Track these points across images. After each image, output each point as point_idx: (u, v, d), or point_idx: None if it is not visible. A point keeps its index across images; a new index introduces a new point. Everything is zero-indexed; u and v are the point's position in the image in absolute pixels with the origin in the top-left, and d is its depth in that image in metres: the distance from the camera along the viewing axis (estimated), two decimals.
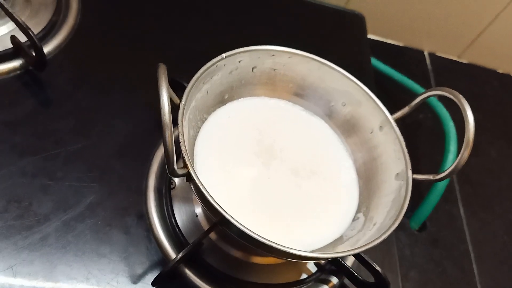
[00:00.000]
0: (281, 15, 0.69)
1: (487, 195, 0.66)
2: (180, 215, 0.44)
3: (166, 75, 0.31)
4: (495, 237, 0.62)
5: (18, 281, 0.38)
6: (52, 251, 0.40)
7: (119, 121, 0.49)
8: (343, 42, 0.71)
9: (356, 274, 0.44)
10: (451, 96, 0.38)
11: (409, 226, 0.59)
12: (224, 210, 0.32)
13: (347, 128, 0.46)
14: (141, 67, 0.53)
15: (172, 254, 0.42)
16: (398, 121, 0.43)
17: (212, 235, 0.44)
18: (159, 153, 0.48)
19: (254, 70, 0.45)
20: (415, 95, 0.44)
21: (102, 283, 0.39)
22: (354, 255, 0.45)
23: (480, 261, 0.59)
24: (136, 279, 0.40)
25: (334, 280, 0.45)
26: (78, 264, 0.40)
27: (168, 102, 0.30)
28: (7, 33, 0.50)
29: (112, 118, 0.49)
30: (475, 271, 0.58)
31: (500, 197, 0.67)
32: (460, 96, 0.36)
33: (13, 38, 0.49)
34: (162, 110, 0.30)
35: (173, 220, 0.44)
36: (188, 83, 0.38)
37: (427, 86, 0.69)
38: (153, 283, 0.39)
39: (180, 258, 0.38)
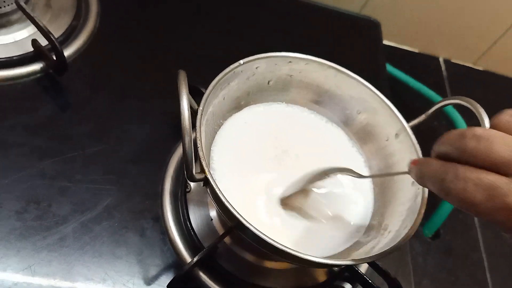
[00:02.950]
0: (297, 22, 0.69)
1: None
2: (195, 219, 0.45)
3: (187, 82, 0.32)
4: (509, 247, 0.62)
5: (36, 280, 0.39)
6: (70, 252, 0.40)
7: (135, 126, 0.50)
8: (359, 48, 0.71)
9: (370, 281, 0.44)
10: (469, 105, 0.37)
11: (422, 234, 0.59)
12: (240, 215, 0.32)
13: (363, 135, 0.46)
14: (158, 73, 0.54)
15: (187, 257, 0.42)
16: (413, 129, 0.43)
17: (227, 239, 0.44)
18: (175, 158, 0.48)
19: (270, 83, 0.45)
20: (430, 102, 0.44)
21: (118, 284, 0.40)
22: (368, 263, 0.45)
23: (494, 271, 0.59)
24: (151, 281, 0.41)
25: (348, 286, 0.45)
26: (95, 265, 0.40)
27: (188, 108, 0.31)
28: (27, 36, 0.52)
29: (129, 123, 0.50)
30: (489, 281, 0.58)
31: None
32: (478, 105, 0.36)
33: (34, 42, 0.50)
34: (182, 115, 0.30)
35: (188, 223, 0.44)
36: (205, 89, 0.38)
37: (442, 93, 0.69)
38: (168, 286, 0.40)
39: (196, 261, 0.38)
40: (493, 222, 0.25)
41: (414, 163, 0.31)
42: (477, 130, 0.26)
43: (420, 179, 0.30)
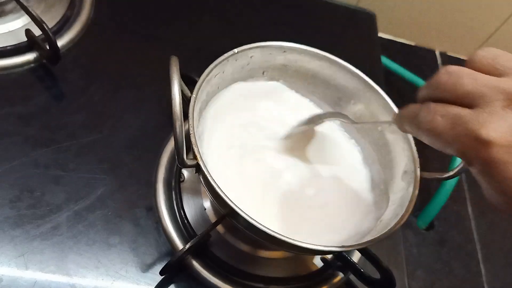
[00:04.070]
0: (293, 13, 0.69)
1: None
2: (189, 208, 0.45)
3: (178, 67, 0.32)
4: (503, 238, 0.62)
5: (29, 268, 0.39)
6: (63, 240, 0.40)
7: (130, 116, 0.50)
8: (354, 40, 0.71)
9: (361, 270, 0.44)
10: None
11: (416, 225, 0.59)
12: (231, 201, 0.32)
13: (357, 125, 0.46)
14: (152, 62, 0.54)
15: (180, 245, 0.42)
16: None
17: (220, 228, 0.44)
18: (169, 147, 0.48)
19: (265, 73, 0.45)
20: None
21: (112, 272, 0.40)
22: (360, 251, 0.45)
23: (487, 262, 0.59)
24: (144, 269, 0.41)
25: (340, 275, 0.46)
26: (88, 253, 0.40)
27: (179, 93, 0.30)
28: (21, 26, 0.52)
29: (123, 112, 0.50)
30: (483, 271, 0.58)
31: None
32: None
33: (28, 32, 0.50)
34: (173, 101, 0.30)
35: (182, 212, 0.44)
36: (199, 78, 0.38)
37: None
38: (161, 273, 0.40)
39: (188, 248, 0.38)
40: (456, 153, 0.26)
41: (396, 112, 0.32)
42: (450, 67, 0.27)
43: (399, 123, 0.31)
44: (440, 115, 0.26)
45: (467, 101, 0.26)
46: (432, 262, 0.57)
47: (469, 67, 0.27)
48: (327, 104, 0.47)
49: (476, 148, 0.24)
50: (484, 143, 0.24)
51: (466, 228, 0.61)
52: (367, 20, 0.73)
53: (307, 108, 0.47)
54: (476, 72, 0.26)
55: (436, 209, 0.59)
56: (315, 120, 0.43)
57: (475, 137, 0.24)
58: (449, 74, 0.27)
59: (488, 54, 0.27)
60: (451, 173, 0.40)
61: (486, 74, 0.26)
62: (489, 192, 0.26)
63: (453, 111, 0.26)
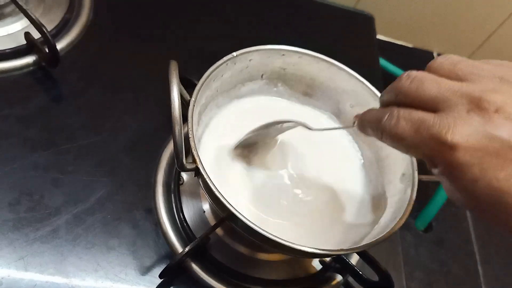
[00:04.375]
0: (292, 15, 0.69)
1: None
2: (188, 211, 0.45)
3: (177, 71, 0.32)
4: (501, 239, 0.62)
5: (29, 271, 0.39)
6: (62, 243, 0.41)
7: (129, 118, 0.50)
8: (352, 43, 0.71)
9: (360, 272, 0.44)
10: None
11: (414, 226, 0.60)
12: (231, 205, 0.32)
13: (355, 129, 0.47)
14: (152, 65, 0.54)
15: (179, 248, 0.42)
16: None
17: (219, 231, 0.44)
18: (168, 150, 0.48)
19: (263, 76, 0.45)
20: None
21: (111, 275, 0.40)
22: (359, 254, 0.45)
23: (485, 263, 0.59)
24: (144, 271, 0.41)
25: (339, 278, 0.46)
26: (87, 256, 0.40)
27: (178, 97, 0.31)
28: (21, 29, 0.52)
29: (122, 115, 0.50)
30: (480, 272, 0.58)
31: None
32: None
33: (27, 35, 0.50)
34: (172, 105, 0.30)
35: (181, 215, 0.44)
36: (198, 81, 0.38)
37: None
38: (160, 276, 0.40)
39: (187, 251, 0.39)
40: (420, 156, 0.27)
41: (357, 115, 0.33)
42: (412, 72, 0.28)
43: (362, 127, 0.32)
44: (404, 119, 0.27)
45: (431, 106, 0.26)
46: (430, 263, 0.57)
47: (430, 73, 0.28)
48: (327, 107, 0.48)
49: (441, 152, 0.25)
50: (449, 147, 0.24)
51: (464, 229, 0.61)
52: (365, 22, 0.74)
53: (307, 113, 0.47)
54: (439, 77, 0.27)
55: (434, 210, 0.59)
56: (273, 129, 0.41)
57: (440, 141, 0.25)
58: (412, 79, 0.27)
59: (448, 60, 0.28)
60: None
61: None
62: (451, 191, 0.26)
63: (416, 115, 0.26)
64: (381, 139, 0.29)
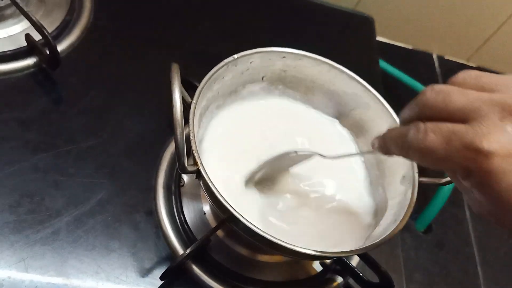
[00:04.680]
0: (291, 18, 0.70)
1: None
2: (189, 213, 0.45)
3: (179, 74, 0.32)
4: (501, 241, 0.62)
5: (29, 273, 0.39)
6: (63, 245, 0.41)
7: (129, 120, 0.50)
8: (352, 44, 0.71)
9: (360, 274, 0.44)
10: None
11: (414, 228, 0.60)
12: (232, 207, 0.32)
13: (356, 130, 0.47)
14: (152, 67, 0.54)
15: (180, 250, 0.42)
16: None
17: (220, 233, 0.44)
18: (169, 152, 0.49)
19: (264, 78, 0.46)
20: None
21: (112, 277, 0.40)
22: (359, 255, 0.45)
23: (485, 265, 0.59)
24: (144, 273, 0.41)
25: (339, 279, 0.46)
26: (88, 258, 0.40)
27: (180, 99, 0.31)
28: (21, 31, 0.52)
29: (123, 117, 0.50)
30: (480, 274, 0.59)
31: None
32: None
33: (28, 37, 0.50)
34: (174, 107, 0.30)
35: (182, 217, 0.44)
36: (199, 83, 0.39)
37: None
38: (161, 277, 0.40)
39: (188, 253, 0.39)
40: (450, 168, 0.27)
41: (377, 137, 0.33)
42: (436, 85, 0.27)
43: (384, 146, 0.32)
44: (433, 131, 0.26)
45: (459, 117, 0.26)
46: (430, 265, 0.57)
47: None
48: (327, 109, 0.48)
49: (476, 160, 0.24)
50: (485, 155, 0.24)
51: (463, 231, 0.62)
52: (365, 24, 0.74)
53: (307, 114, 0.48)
54: (465, 89, 0.27)
55: (434, 212, 0.59)
56: (286, 161, 0.41)
57: (475, 149, 0.24)
58: (437, 92, 0.27)
59: (470, 74, 0.28)
60: (448, 178, 0.40)
61: None
62: (481, 204, 0.26)
63: (446, 127, 0.26)
64: (407, 155, 0.28)
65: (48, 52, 0.48)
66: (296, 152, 0.40)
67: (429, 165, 0.27)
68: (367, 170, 0.46)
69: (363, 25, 0.74)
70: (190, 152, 0.34)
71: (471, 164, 0.25)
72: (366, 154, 0.45)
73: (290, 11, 0.70)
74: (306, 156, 0.41)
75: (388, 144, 0.31)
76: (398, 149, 0.29)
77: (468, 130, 0.25)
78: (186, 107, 0.37)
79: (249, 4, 0.68)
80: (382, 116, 0.45)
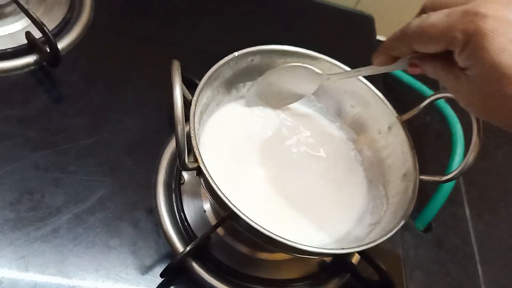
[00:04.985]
0: (292, 16, 0.70)
1: (493, 198, 0.66)
2: (189, 211, 0.45)
3: (180, 71, 0.32)
4: (500, 240, 0.62)
5: (30, 271, 0.39)
6: (63, 243, 0.40)
7: (130, 118, 0.50)
8: (352, 43, 0.71)
9: (360, 272, 0.44)
10: None
11: (414, 227, 0.60)
12: (232, 204, 0.32)
13: (356, 128, 0.47)
14: (152, 65, 0.54)
15: (180, 248, 0.42)
16: (405, 123, 0.44)
17: (220, 231, 0.44)
18: (169, 150, 0.48)
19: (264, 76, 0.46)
20: (423, 96, 0.45)
21: (112, 275, 0.40)
22: (359, 253, 0.45)
23: (485, 264, 0.59)
24: (144, 271, 0.41)
25: (339, 277, 0.46)
26: (88, 255, 0.40)
27: (180, 96, 0.31)
28: (21, 29, 0.52)
29: (123, 115, 0.50)
30: (480, 273, 0.59)
31: (506, 201, 0.67)
32: None
33: (28, 34, 0.50)
34: (174, 104, 0.30)
35: (182, 215, 0.44)
36: (199, 81, 0.38)
37: (435, 88, 0.69)
38: (161, 275, 0.40)
39: (188, 251, 0.39)
40: (453, 35, 0.28)
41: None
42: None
43: (386, 47, 0.35)
44: (435, 13, 0.29)
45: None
46: (430, 264, 0.57)
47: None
48: (327, 107, 0.48)
49: (473, 21, 0.27)
50: (481, 16, 0.27)
51: (463, 230, 0.62)
52: (365, 23, 0.74)
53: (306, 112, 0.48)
54: None
55: (433, 211, 0.59)
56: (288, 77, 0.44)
57: (472, 13, 0.27)
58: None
59: None
60: (449, 176, 0.40)
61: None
62: (473, 90, 0.29)
63: (446, 9, 0.29)
64: (409, 40, 0.31)
65: (48, 50, 0.48)
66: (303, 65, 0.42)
67: (429, 44, 0.30)
68: (366, 169, 0.46)
69: (363, 24, 0.74)
70: (190, 149, 0.34)
71: (470, 26, 0.27)
72: (365, 73, 0.43)
73: (291, 10, 0.70)
74: (309, 74, 0.43)
75: (390, 41, 0.34)
76: (401, 39, 0.32)
77: (467, 2, 0.28)
78: (187, 104, 0.37)
79: (250, 3, 0.68)
80: (382, 114, 0.45)
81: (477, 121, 0.38)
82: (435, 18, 0.29)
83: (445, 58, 0.30)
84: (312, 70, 0.43)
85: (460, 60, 0.28)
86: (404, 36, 0.32)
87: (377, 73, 0.38)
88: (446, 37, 0.29)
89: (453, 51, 0.29)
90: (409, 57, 0.34)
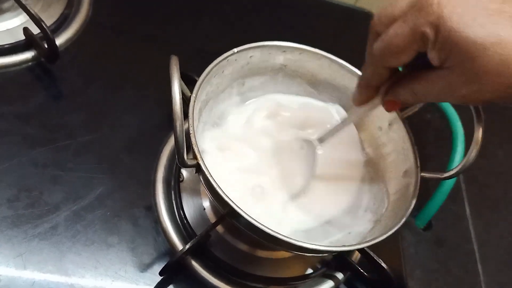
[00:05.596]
0: (292, 13, 0.69)
1: (494, 196, 0.66)
2: (188, 208, 0.45)
3: (178, 67, 0.32)
4: (501, 238, 0.62)
5: (28, 268, 0.38)
6: (61, 240, 0.40)
7: (129, 115, 0.50)
8: (353, 40, 0.71)
9: (360, 269, 0.44)
10: None
11: (414, 225, 0.59)
12: (232, 201, 0.32)
13: (357, 125, 0.46)
14: (151, 62, 0.54)
15: (179, 245, 0.42)
16: (407, 121, 0.43)
17: (220, 229, 0.44)
18: (168, 147, 0.48)
19: (264, 73, 0.45)
20: None
21: (110, 272, 0.40)
22: (360, 251, 0.45)
23: (485, 262, 0.59)
24: (143, 269, 0.41)
25: (339, 275, 0.46)
26: (87, 253, 0.40)
27: (179, 92, 0.30)
28: (19, 25, 0.51)
29: (122, 112, 0.50)
30: (480, 271, 0.58)
31: (506, 199, 0.66)
32: None
33: (26, 30, 0.50)
34: (173, 100, 0.30)
35: (181, 212, 0.44)
36: (199, 78, 0.38)
37: None
38: (160, 273, 0.40)
39: (188, 249, 0.38)
40: (420, 32, 0.28)
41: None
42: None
43: (361, 84, 0.36)
44: (391, 29, 0.30)
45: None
46: (430, 262, 0.57)
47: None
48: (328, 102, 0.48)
49: (431, 13, 0.27)
50: (437, 4, 0.27)
51: (463, 228, 0.61)
52: (365, 20, 0.73)
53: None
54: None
55: (434, 209, 0.59)
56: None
57: (427, 4, 0.27)
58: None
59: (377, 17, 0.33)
60: (450, 172, 0.40)
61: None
62: (452, 75, 0.28)
63: (396, 19, 0.30)
64: (381, 59, 0.31)
65: (46, 46, 0.48)
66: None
67: (401, 54, 0.30)
68: (367, 166, 0.46)
69: (363, 20, 0.73)
70: (189, 147, 0.34)
71: (431, 17, 0.27)
72: (350, 121, 0.42)
73: (291, 7, 0.70)
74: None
75: (364, 74, 0.34)
76: (371, 58, 0.33)
77: (414, 4, 0.28)
78: (186, 101, 0.37)
79: (250, 1, 0.68)
80: (383, 111, 0.44)
81: (477, 116, 0.37)
82: (395, 29, 0.29)
83: (411, 74, 0.31)
84: (304, 141, 0.43)
85: (435, 54, 0.28)
86: (374, 59, 0.32)
87: (361, 117, 0.40)
88: (415, 39, 0.28)
89: (426, 50, 0.29)
90: (381, 98, 0.35)
